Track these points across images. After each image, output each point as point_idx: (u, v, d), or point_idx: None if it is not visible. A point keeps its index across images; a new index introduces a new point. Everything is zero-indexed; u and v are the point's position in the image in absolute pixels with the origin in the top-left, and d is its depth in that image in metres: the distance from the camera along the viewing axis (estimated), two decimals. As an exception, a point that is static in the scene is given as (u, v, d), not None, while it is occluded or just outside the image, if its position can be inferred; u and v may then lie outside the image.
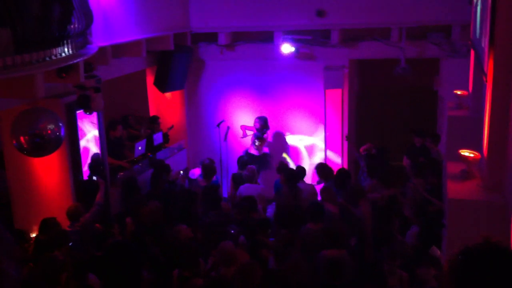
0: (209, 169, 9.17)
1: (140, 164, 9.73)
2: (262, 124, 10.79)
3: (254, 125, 10.87)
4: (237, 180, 9.24)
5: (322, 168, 8.77)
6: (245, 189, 8.67)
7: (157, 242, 6.83)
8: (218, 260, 6.12)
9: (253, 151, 10.75)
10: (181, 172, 9.80)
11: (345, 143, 11.23)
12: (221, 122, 11.00)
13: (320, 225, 6.82)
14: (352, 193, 7.53)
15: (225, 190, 10.63)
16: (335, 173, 8.65)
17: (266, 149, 10.92)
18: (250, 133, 10.95)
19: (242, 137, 11.04)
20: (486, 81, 4.60)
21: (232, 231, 6.85)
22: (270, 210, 8.91)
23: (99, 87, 7.21)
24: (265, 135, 10.82)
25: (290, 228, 6.86)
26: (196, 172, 10.08)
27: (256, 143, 10.73)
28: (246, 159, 9.96)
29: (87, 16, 6.52)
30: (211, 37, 11.08)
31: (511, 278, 1.91)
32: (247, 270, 5.47)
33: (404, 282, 5.97)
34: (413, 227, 7.42)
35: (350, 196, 7.52)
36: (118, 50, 8.72)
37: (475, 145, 5.32)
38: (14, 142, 6.20)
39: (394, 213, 7.95)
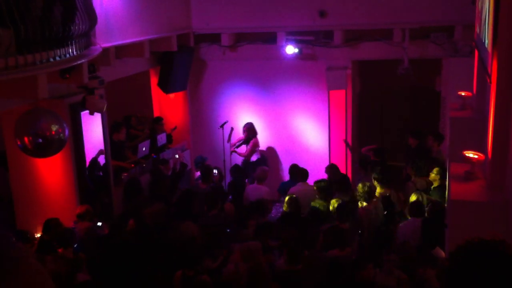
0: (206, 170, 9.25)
1: (144, 165, 9.75)
2: (246, 131, 10.94)
3: (243, 133, 11.01)
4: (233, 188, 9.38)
5: (333, 169, 9.18)
6: (252, 190, 8.73)
7: (160, 242, 6.84)
8: (238, 255, 6.15)
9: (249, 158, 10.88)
10: (176, 156, 9.93)
11: (349, 144, 11.22)
12: (224, 123, 11.01)
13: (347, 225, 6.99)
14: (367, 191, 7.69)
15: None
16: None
17: (256, 155, 10.96)
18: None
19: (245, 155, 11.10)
20: (490, 82, 4.59)
21: (228, 230, 6.87)
22: (274, 211, 8.97)
23: (92, 89, 7.23)
24: (251, 141, 10.86)
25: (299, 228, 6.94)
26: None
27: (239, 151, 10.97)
28: (240, 167, 10.06)
29: (91, 17, 6.53)
30: (213, 38, 11.08)
31: (506, 278, 1.92)
32: (258, 269, 5.50)
33: (402, 283, 5.90)
34: (409, 220, 7.39)
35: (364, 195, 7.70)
36: (121, 51, 8.73)
37: (478, 146, 5.32)
38: (18, 142, 6.21)
39: (395, 213, 7.97)
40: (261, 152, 11.17)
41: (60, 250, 6.29)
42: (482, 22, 5.95)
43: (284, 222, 7.68)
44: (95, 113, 7.71)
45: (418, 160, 8.98)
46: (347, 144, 11.00)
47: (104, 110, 7.67)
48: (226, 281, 5.60)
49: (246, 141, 10.97)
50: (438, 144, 9.49)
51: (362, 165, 9.74)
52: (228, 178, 10.58)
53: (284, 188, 8.98)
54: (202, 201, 8.14)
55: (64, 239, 6.32)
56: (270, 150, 11.47)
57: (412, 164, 8.99)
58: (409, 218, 7.50)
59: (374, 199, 7.89)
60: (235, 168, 9.88)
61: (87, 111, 7.54)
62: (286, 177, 10.53)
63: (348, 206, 7.27)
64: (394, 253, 6.24)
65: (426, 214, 7.39)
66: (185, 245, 6.38)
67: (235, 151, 11.00)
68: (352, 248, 7.12)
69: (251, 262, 5.86)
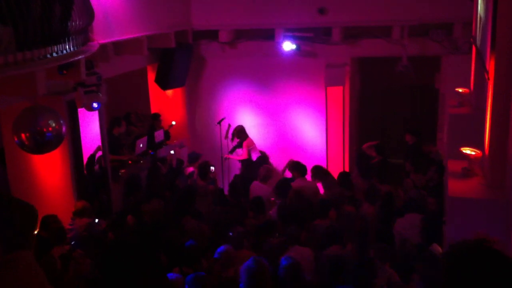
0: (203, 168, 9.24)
1: (141, 162, 9.75)
2: (236, 135, 10.83)
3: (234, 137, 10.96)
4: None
5: (317, 170, 9.03)
6: (255, 189, 8.72)
7: (159, 240, 6.83)
8: (220, 263, 6.12)
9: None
10: (172, 152, 9.92)
11: (347, 141, 11.22)
12: (221, 120, 11.00)
13: (327, 221, 6.91)
14: (371, 192, 7.66)
15: (226, 188, 10.62)
16: (335, 175, 8.80)
17: (256, 154, 10.90)
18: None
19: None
20: (488, 78, 4.59)
21: (230, 234, 6.80)
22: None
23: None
24: (244, 143, 10.75)
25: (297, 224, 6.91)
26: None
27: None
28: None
29: (88, 13, 6.52)
30: (212, 35, 11.07)
31: (497, 278, 1.94)
32: (256, 268, 5.49)
33: (392, 282, 5.86)
34: (406, 216, 7.38)
35: (369, 195, 7.67)
36: (119, 47, 8.71)
37: (477, 143, 5.31)
38: (16, 139, 6.20)
39: (394, 211, 7.95)
40: (260, 150, 11.12)
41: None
42: (480, 18, 5.95)
43: (284, 219, 7.67)
44: (93, 110, 7.67)
45: (417, 157, 8.99)
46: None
47: (96, 106, 7.51)
48: (225, 282, 5.59)
49: (239, 144, 10.88)
50: (434, 144, 9.52)
51: (358, 164, 9.76)
52: (226, 174, 10.59)
53: None
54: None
55: (56, 236, 6.29)
56: (268, 146, 11.46)
57: (412, 161, 9.00)
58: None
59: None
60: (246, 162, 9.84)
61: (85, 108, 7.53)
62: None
63: (328, 202, 7.23)
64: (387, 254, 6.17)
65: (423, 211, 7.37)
66: (183, 243, 6.36)
67: (229, 158, 10.96)
68: (353, 246, 7.12)
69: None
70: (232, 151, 10.98)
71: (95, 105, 7.43)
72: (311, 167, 9.11)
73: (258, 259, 5.67)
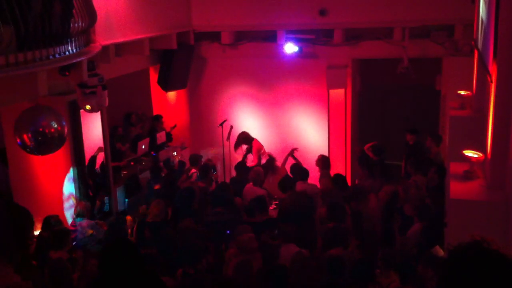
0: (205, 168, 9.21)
1: (143, 163, 9.76)
2: (242, 142, 10.41)
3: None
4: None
5: (323, 160, 9.21)
6: (248, 191, 8.69)
7: (159, 239, 6.85)
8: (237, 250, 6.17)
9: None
10: (174, 153, 9.91)
11: (348, 142, 11.21)
12: (223, 122, 10.99)
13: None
14: (356, 192, 7.63)
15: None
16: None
17: (265, 157, 10.72)
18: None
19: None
20: (491, 81, 4.59)
21: (228, 232, 6.80)
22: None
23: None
24: (253, 148, 10.35)
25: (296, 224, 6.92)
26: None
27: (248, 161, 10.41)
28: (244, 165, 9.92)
29: (91, 14, 6.53)
30: (214, 36, 11.08)
31: (497, 280, 1.94)
32: (243, 266, 5.54)
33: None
34: (416, 225, 7.37)
35: (354, 195, 7.65)
36: (121, 48, 8.72)
37: (478, 146, 5.32)
38: (18, 140, 6.21)
39: (396, 211, 7.95)
40: (269, 153, 10.94)
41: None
42: (481, 20, 5.95)
43: (283, 219, 7.68)
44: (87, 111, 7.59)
45: (418, 157, 8.98)
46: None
47: (88, 108, 7.41)
48: (225, 282, 5.61)
49: (249, 150, 10.44)
50: (436, 145, 9.49)
51: (361, 164, 9.74)
52: (228, 176, 10.54)
53: None
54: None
55: (57, 239, 6.25)
56: (270, 148, 11.44)
57: (413, 161, 8.99)
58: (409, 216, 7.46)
59: (370, 198, 7.88)
60: (240, 166, 9.73)
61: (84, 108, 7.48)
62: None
63: (339, 205, 7.22)
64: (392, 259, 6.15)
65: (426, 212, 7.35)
66: (186, 243, 6.37)
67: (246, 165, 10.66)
68: (355, 246, 7.10)
69: (246, 254, 5.88)
70: (244, 157, 10.43)
71: (87, 107, 7.21)
72: (318, 156, 9.28)
73: (246, 259, 5.73)
